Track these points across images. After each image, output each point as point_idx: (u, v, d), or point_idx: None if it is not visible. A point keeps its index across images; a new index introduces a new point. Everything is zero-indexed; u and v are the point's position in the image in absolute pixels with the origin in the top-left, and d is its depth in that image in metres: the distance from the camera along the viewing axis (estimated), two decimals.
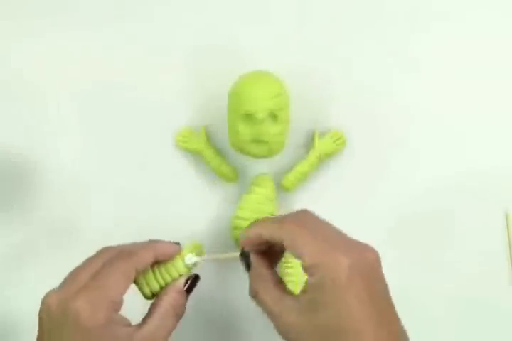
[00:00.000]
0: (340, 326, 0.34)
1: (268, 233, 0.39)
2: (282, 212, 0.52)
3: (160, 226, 0.54)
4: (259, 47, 0.56)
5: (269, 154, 0.50)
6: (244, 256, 0.41)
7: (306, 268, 0.36)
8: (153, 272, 0.42)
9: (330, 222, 0.39)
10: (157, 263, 0.42)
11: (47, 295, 0.38)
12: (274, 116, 0.47)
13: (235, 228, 0.50)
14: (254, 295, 0.40)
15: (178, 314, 0.41)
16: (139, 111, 0.55)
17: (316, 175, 0.54)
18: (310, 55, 0.56)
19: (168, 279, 0.42)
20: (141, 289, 0.42)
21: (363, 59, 0.56)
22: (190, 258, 0.42)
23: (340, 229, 0.39)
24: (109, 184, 0.55)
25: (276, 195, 0.52)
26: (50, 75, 0.56)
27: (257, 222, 0.41)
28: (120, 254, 0.40)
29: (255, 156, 0.50)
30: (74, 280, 0.38)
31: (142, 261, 0.40)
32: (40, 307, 0.38)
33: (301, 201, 0.54)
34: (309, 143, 0.55)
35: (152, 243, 0.42)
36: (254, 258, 0.41)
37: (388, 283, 0.37)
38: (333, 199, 0.54)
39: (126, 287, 0.39)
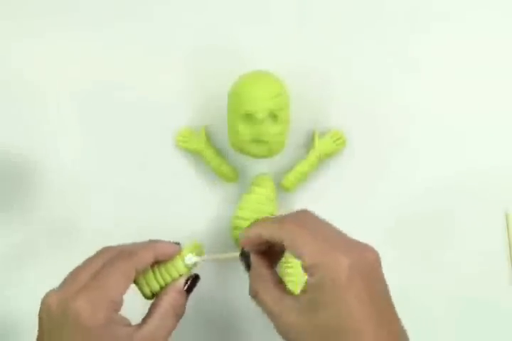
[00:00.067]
0: (340, 326, 0.34)
1: (268, 233, 0.39)
2: (282, 212, 0.52)
3: (160, 226, 0.54)
4: (259, 47, 0.56)
5: (269, 154, 0.50)
6: (244, 256, 0.41)
7: (306, 268, 0.36)
8: (153, 272, 0.42)
9: (330, 222, 0.39)
10: (157, 263, 0.42)
11: (47, 295, 0.38)
12: (274, 116, 0.47)
13: (235, 228, 0.50)
14: (254, 295, 0.40)
15: (178, 314, 0.41)
16: (139, 111, 0.55)
17: (316, 175, 0.54)
18: (310, 55, 0.56)
19: (168, 279, 0.42)
20: (141, 289, 0.42)
21: (363, 59, 0.56)
22: (190, 258, 0.42)
23: (340, 229, 0.39)
24: (109, 184, 0.55)
25: (276, 195, 0.52)
26: (50, 75, 0.56)
27: (257, 222, 0.41)
28: (120, 254, 0.40)
29: (255, 156, 0.50)
30: (74, 280, 0.38)
31: (142, 261, 0.40)
32: (40, 307, 0.38)
33: (301, 201, 0.54)
34: (309, 143, 0.55)
35: (152, 243, 0.42)
36: (254, 258, 0.41)
37: (388, 283, 0.37)
38: (333, 199, 0.54)
39: (126, 287, 0.39)
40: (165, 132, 0.55)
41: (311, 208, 0.40)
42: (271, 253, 0.42)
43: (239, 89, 0.48)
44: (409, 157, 0.55)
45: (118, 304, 0.38)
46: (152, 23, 0.57)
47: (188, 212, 0.54)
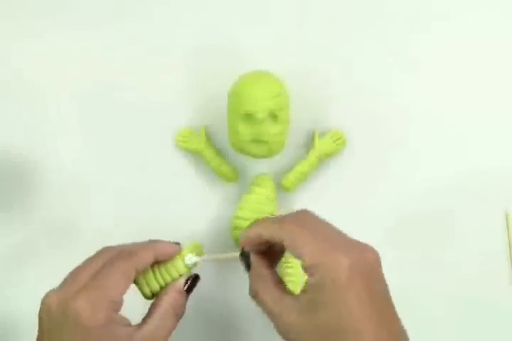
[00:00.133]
0: (340, 326, 0.34)
1: (268, 233, 0.39)
2: (282, 212, 0.52)
3: (160, 226, 0.54)
4: (259, 47, 0.56)
5: (269, 154, 0.50)
6: (244, 256, 0.41)
7: (306, 268, 0.36)
8: (153, 272, 0.42)
9: (330, 222, 0.39)
10: (157, 263, 0.42)
11: (47, 295, 0.38)
12: (274, 116, 0.47)
13: (235, 228, 0.50)
14: (254, 295, 0.40)
15: (178, 314, 0.41)
16: (139, 111, 0.55)
17: (316, 175, 0.54)
18: (310, 55, 0.56)
19: (168, 279, 0.42)
20: (141, 289, 0.42)
21: (363, 59, 0.56)
22: (190, 258, 0.42)
23: (340, 229, 0.39)
24: (109, 184, 0.55)
25: (276, 195, 0.52)
26: (50, 75, 0.56)
27: (257, 222, 0.41)
28: (120, 254, 0.40)
29: (255, 156, 0.50)
30: (74, 280, 0.38)
31: (142, 261, 0.40)
32: (40, 307, 0.38)
33: (301, 201, 0.54)
34: (309, 143, 0.55)
35: (152, 243, 0.42)
36: (254, 258, 0.41)
37: (388, 283, 0.37)
38: (333, 199, 0.54)
39: (126, 287, 0.39)
40: (165, 132, 0.55)
41: (311, 208, 0.40)
42: (271, 253, 0.42)
43: (239, 89, 0.48)
44: (409, 157, 0.55)
45: (118, 304, 0.38)
46: (152, 23, 0.57)
47: (188, 212, 0.54)
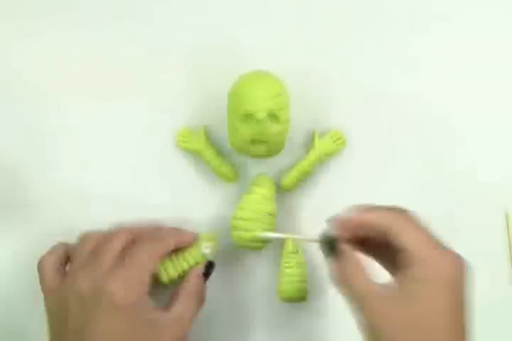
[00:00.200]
0: (429, 323, 0.35)
1: (375, 218, 0.39)
2: (282, 212, 0.52)
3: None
4: (259, 47, 0.56)
5: (269, 154, 0.50)
6: (330, 240, 0.40)
7: (407, 259, 0.36)
8: (171, 258, 0.45)
9: None
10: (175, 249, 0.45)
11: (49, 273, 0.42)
12: (274, 116, 0.47)
13: (235, 228, 0.50)
14: (343, 280, 0.39)
15: (201, 298, 0.44)
16: (139, 111, 0.55)
17: (316, 175, 0.54)
18: (310, 55, 0.56)
19: (186, 266, 0.45)
20: (159, 274, 0.45)
21: (363, 59, 0.56)
22: (207, 246, 0.46)
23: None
24: (109, 184, 0.55)
25: (276, 195, 0.52)
26: (50, 75, 0.56)
27: (357, 207, 0.41)
28: (148, 238, 0.42)
29: (255, 156, 0.50)
30: (98, 261, 0.40)
31: (168, 246, 0.43)
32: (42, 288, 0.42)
33: (301, 201, 0.54)
34: (309, 143, 0.55)
35: (175, 230, 0.46)
36: (344, 243, 0.40)
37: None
38: (333, 200, 0.54)
39: (152, 270, 0.41)
40: (165, 132, 0.55)
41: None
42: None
43: (239, 89, 0.48)
44: (410, 157, 0.55)
45: (147, 285, 0.40)
46: (152, 23, 0.57)
47: (188, 212, 0.54)
